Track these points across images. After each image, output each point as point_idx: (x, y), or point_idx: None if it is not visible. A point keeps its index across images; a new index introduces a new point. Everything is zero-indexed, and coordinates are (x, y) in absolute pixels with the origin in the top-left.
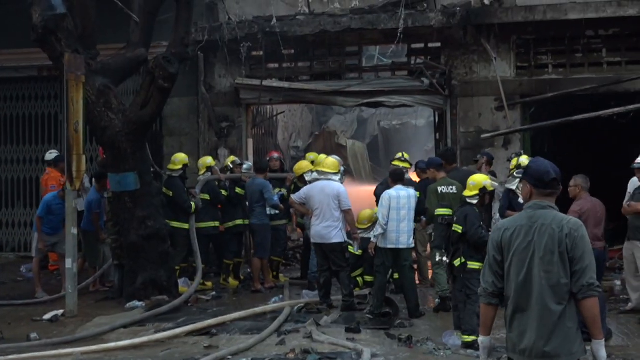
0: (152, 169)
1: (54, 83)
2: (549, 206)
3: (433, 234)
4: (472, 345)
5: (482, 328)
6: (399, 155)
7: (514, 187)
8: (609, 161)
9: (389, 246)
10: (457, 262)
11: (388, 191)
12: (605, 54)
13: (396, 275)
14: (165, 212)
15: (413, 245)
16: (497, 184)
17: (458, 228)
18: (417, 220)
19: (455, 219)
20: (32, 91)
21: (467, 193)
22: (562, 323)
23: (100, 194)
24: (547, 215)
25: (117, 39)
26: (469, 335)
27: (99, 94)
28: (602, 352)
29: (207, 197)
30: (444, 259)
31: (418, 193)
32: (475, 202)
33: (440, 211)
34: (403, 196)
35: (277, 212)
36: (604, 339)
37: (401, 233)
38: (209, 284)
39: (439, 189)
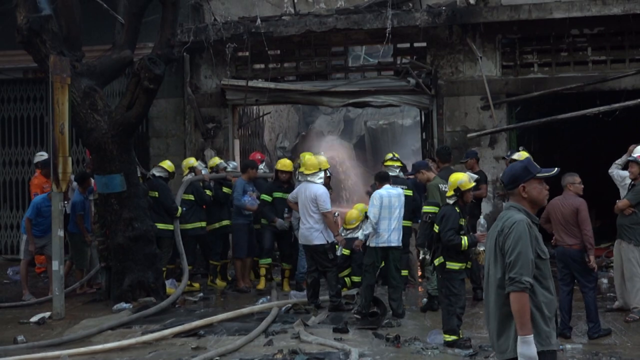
0: (139, 171)
1: (39, 85)
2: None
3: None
4: (454, 344)
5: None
6: (390, 155)
7: None
8: (595, 159)
9: (381, 245)
10: (437, 262)
11: (378, 191)
12: (591, 53)
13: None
14: (150, 213)
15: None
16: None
17: (436, 227)
18: (412, 219)
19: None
20: (18, 93)
21: (448, 193)
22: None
23: (84, 195)
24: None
25: (102, 41)
26: (450, 335)
27: (85, 95)
28: (523, 349)
29: (191, 197)
30: (427, 257)
31: (410, 192)
32: (452, 202)
33: (426, 208)
34: (394, 195)
35: (249, 212)
36: (527, 336)
37: (392, 231)
38: (197, 285)
39: (441, 185)
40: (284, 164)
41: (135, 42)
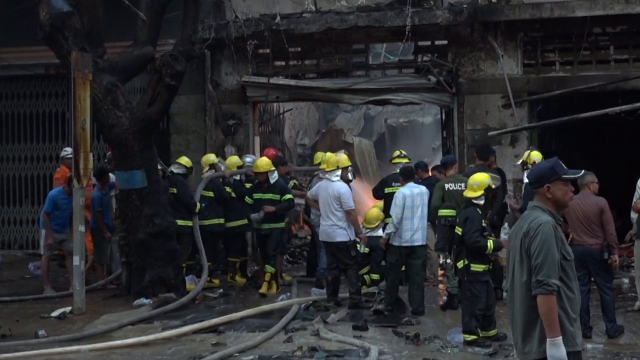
0: (159, 167)
1: (61, 81)
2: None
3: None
4: (473, 343)
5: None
6: (397, 152)
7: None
8: (616, 159)
9: (404, 244)
10: (460, 264)
11: (402, 190)
12: (613, 51)
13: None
14: (169, 209)
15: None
16: (497, 182)
17: (459, 230)
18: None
19: (457, 220)
20: (39, 89)
21: (471, 194)
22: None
23: (103, 191)
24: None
25: (124, 37)
26: (469, 334)
27: (106, 91)
28: (552, 351)
29: (211, 194)
30: (448, 260)
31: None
32: (482, 202)
33: (444, 212)
34: (416, 194)
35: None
36: (556, 338)
37: (415, 230)
38: (216, 281)
39: (446, 185)
40: (260, 164)
41: (157, 38)
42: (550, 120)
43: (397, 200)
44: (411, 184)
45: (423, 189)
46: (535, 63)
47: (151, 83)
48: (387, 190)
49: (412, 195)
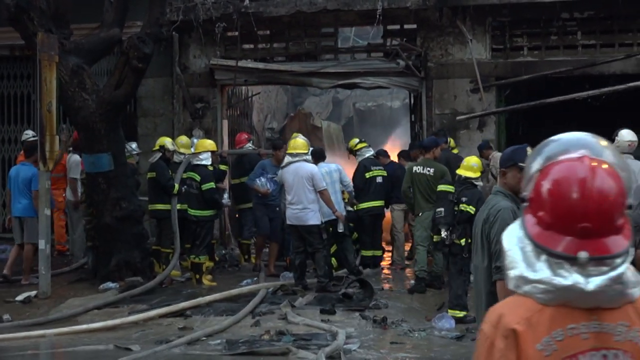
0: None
1: (26, 63)
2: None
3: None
4: (463, 320)
5: None
6: (357, 140)
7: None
8: None
9: (327, 218)
10: (462, 242)
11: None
12: (580, 37)
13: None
14: (150, 195)
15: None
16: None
17: (470, 209)
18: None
19: (465, 199)
20: (4, 71)
21: (471, 174)
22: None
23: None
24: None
25: (90, 19)
26: (460, 310)
27: (73, 74)
28: None
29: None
30: (449, 235)
31: (385, 172)
32: (481, 183)
33: (446, 187)
34: (334, 170)
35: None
36: None
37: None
38: (185, 264)
39: (414, 168)
40: (200, 145)
41: (124, 20)
42: (517, 105)
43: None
44: (322, 163)
45: (333, 167)
46: (504, 48)
47: (118, 65)
48: (367, 175)
49: (329, 172)
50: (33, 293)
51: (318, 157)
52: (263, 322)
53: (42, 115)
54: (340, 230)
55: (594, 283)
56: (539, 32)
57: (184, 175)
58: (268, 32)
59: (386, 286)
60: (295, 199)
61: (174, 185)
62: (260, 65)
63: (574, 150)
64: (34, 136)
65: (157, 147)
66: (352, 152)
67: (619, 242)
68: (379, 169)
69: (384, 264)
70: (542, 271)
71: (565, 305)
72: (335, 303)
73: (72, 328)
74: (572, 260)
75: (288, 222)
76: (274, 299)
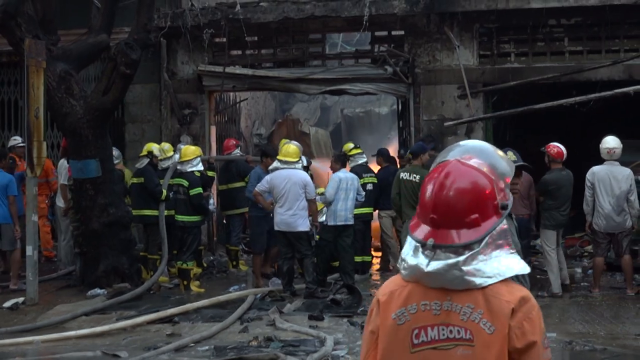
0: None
1: (14, 69)
2: None
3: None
4: None
5: None
6: (351, 145)
7: None
8: (570, 149)
9: (339, 223)
10: None
11: (337, 173)
12: (567, 43)
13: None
14: (137, 200)
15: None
16: None
17: None
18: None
19: None
20: None
21: None
22: None
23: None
24: None
25: (78, 25)
26: None
27: (60, 80)
28: None
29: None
30: None
31: (375, 179)
32: None
33: None
34: (350, 178)
35: None
36: None
37: (349, 210)
38: (173, 270)
39: (401, 175)
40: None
41: (112, 26)
42: (505, 111)
43: (332, 182)
44: (344, 169)
45: (354, 175)
46: (491, 54)
47: (106, 71)
48: (360, 182)
49: (346, 179)
50: (20, 300)
51: (342, 163)
52: (251, 328)
53: (29, 121)
54: (316, 238)
55: (432, 266)
56: (526, 39)
57: (171, 182)
58: (256, 38)
59: (374, 292)
60: (286, 204)
61: (162, 191)
62: (248, 72)
63: (460, 155)
64: (22, 142)
65: (144, 153)
66: (346, 156)
67: (467, 234)
68: (371, 176)
69: (372, 269)
70: (407, 253)
71: (421, 284)
72: (324, 309)
73: (60, 335)
74: (424, 245)
75: (276, 227)
76: (262, 305)
